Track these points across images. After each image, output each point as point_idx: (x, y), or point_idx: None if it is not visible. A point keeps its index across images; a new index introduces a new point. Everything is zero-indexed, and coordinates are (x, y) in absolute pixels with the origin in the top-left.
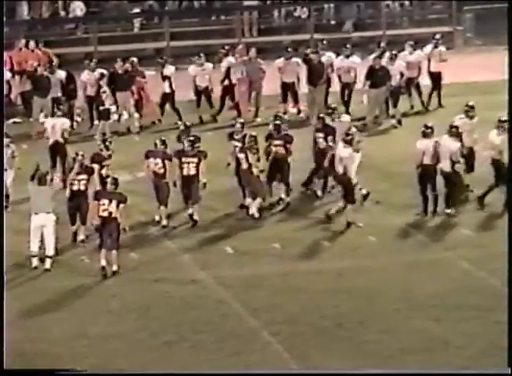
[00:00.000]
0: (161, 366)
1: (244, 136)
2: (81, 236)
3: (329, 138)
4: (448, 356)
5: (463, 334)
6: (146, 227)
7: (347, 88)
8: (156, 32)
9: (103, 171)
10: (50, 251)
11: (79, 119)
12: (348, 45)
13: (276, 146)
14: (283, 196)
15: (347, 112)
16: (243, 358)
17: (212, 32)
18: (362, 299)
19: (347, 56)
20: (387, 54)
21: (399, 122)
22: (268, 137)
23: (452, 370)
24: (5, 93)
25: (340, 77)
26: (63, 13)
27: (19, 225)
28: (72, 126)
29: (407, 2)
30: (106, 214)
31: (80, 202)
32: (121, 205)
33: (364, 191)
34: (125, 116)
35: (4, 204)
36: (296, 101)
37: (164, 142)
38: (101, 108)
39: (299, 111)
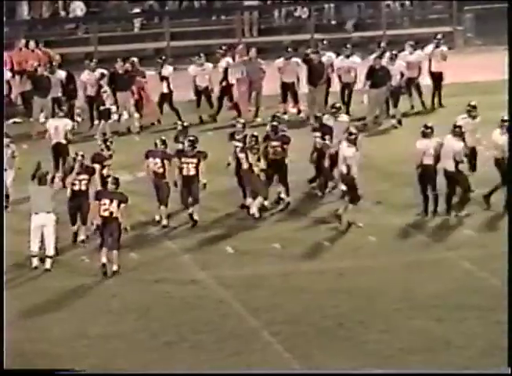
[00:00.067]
0: (161, 367)
1: (245, 136)
2: (81, 237)
3: (327, 137)
4: (449, 356)
5: (464, 334)
6: (147, 227)
7: (347, 88)
8: (157, 32)
9: (104, 171)
10: (50, 251)
11: (79, 119)
12: (349, 45)
13: (273, 147)
14: (283, 196)
15: (348, 112)
16: (244, 358)
17: (212, 32)
18: (363, 299)
19: (348, 56)
20: (388, 54)
21: (399, 122)
22: (265, 138)
23: (453, 370)
24: (5, 93)
25: (340, 77)
26: (63, 13)
27: (20, 225)
28: (72, 126)
29: (407, 2)
30: (107, 214)
31: (81, 202)
32: (122, 205)
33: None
34: (125, 116)
35: (4, 204)
36: (296, 101)
37: (164, 142)
38: (101, 108)
39: (299, 111)
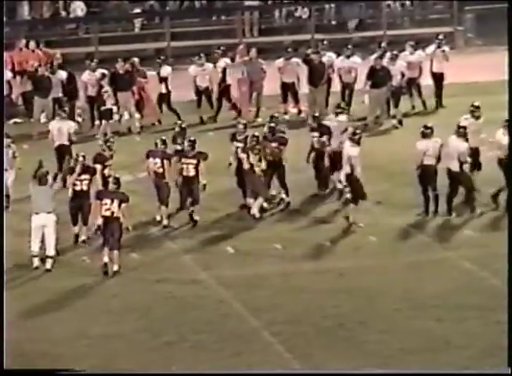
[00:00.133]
0: (162, 367)
1: (246, 137)
2: (82, 237)
3: (325, 137)
4: (449, 356)
5: (464, 334)
6: (147, 227)
7: (347, 88)
8: (157, 32)
9: (106, 172)
10: (51, 251)
11: (80, 119)
12: (349, 46)
13: (271, 147)
14: (283, 196)
15: (348, 112)
16: (244, 358)
17: (213, 32)
18: (363, 299)
19: (348, 56)
20: (388, 54)
21: (400, 122)
22: (263, 139)
23: (453, 370)
24: (6, 93)
25: (340, 77)
26: (63, 13)
27: (20, 226)
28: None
29: (408, 2)
30: (108, 213)
31: (82, 202)
32: (123, 205)
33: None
34: (126, 116)
35: (4, 204)
36: (296, 101)
37: (164, 142)
38: (103, 108)
39: (299, 111)
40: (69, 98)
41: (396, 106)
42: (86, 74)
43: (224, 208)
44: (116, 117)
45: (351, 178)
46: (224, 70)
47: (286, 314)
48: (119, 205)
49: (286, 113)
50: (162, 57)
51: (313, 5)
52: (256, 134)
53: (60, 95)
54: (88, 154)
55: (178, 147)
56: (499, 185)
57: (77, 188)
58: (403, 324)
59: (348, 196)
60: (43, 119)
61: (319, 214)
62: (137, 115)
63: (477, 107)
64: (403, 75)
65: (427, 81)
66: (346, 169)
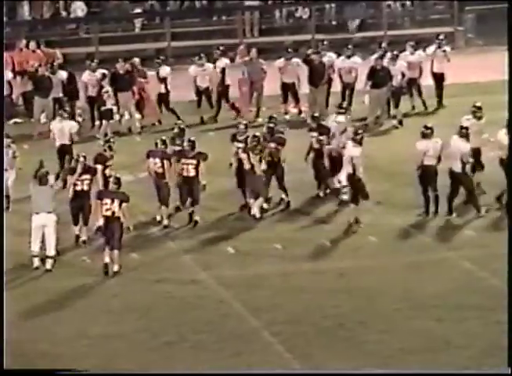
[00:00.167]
0: (162, 367)
1: (247, 137)
2: (82, 237)
3: (324, 137)
4: (449, 356)
5: (464, 334)
6: (148, 227)
7: (348, 88)
8: (158, 32)
9: (107, 172)
10: (51, 251)
11: (80, 119)
12: (350, 46)
13: (269, 148)
14: (283, 196)
15: (349, 113)
16: (244, 358)
17: (213, 32)
18: (363, 299)
19: (349, 57)
20: (389, 54)
21: (400, 122)
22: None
23: (453, 370)
24: (6, 93)
25: (341, 77)
26: (64, 14)
27: (20, 226)
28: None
29: (408, 3)
30: (109, 213)
31: (83, 202)
32: (124, 204)
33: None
34: (126, 116)
35: (5, 204)
36: (297, 101)
37: (164, 142)
38: (103, 108)
39: (300, 112)
40: (69, 98)
41: (396, 106)
42: (86, 74)
43: (224, 208)
44: (116, 117)
45: (352, 179)
46: (223, 70)
47: (286, 314)
48: (119, 205)
49: (286, 113)
50: (161, 57)
51: (314, 5)
52: (257, 134)
53: (61, 95)
54: (89, 154)
55: (177, 148)
56: (501, 185)
57: (78, 188)
58: (403, 324)
59: (345, 197)
60: (43, 119)
61: (319, 214)
62: (137, 115)
63: (479, 108)
64: (403, 75)
65: (427, 81)
66: (348, 169)
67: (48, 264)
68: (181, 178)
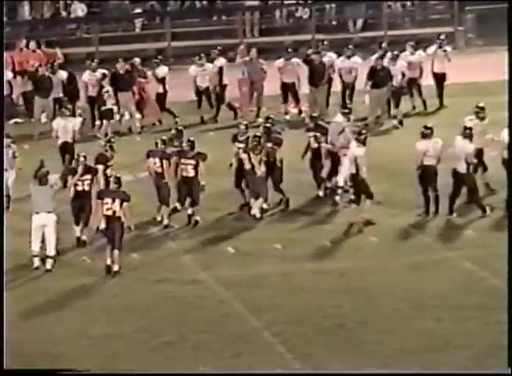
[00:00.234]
0: (162, 367)
1: (247, 137)
2: (83, 237)
3: (322, 137)
4: (449, 356)
5: (464, 334)
6: (148, 227)
7: (348, 88)
8: (158, 32)
9: (108, 172)
10: (51, 251)
11: (81, 119)
12: (350, 46)
13: (266, 148)
14: (282, 196)
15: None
16: (245, 358)
17: (214, 32)
18: (364, 299)
19: (349, 57)
20: (389, 54)
21: (401, 123)
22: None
23: (453, 370)
24: (6, 93)
25: (341, 77)
26: (64, 13)
27: (21, 226)
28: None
29: (409, 3)
30: (109, 213)
31: (83, 203)
32: (125, 204)
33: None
34: (127, 116)
35: (5, 204)
36: (297, 101)
37: (164, 142)
38: (103, 108)
39: (300, 112)
40: (69, 98)
41: (397, 106)
42: (87, 74)
43: (224, 208)
44: (116, 117)
45: (356, 179)
46: (220, 70)
47: (287, 314)
48: (120, 204)
49: (286, 113)
50: (159, 57)
51: (314, 5)
52: (258, 134)
53: (61, 95)
54: (89, 154)
55: (175, 149)
56: (503, 184)
57: (79, 188)
58: (403, 324)
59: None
60: (44, 119)
61: (319, 214)
62: (137, 115)
63: (482, 108)
64: (404, 75)
65: (427, 81)
66: (351, 169)
67: (49, 264)
68: (180, 178)
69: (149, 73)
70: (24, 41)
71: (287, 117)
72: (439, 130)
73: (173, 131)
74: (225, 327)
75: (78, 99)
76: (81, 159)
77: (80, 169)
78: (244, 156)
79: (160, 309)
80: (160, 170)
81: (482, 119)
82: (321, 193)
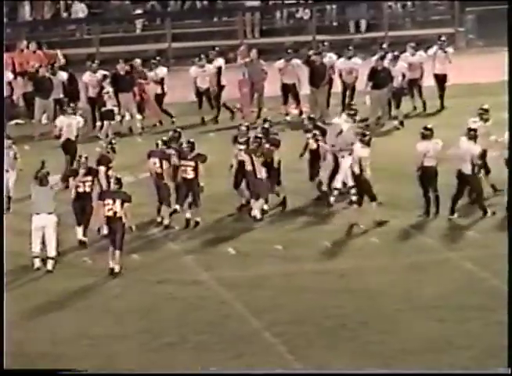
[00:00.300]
0: (163, 367)
1: (248, 139)
2: (83, 238)
3: (320, 139)
4: (450, 357)
5: (465, 334)
6: (149, 228)
7: (348, 89)
8: (158, 33)
9: (109, 173)
10: (52, 252)
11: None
12: (350, 47)
13: (264, 148)
14: (284, 196)
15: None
16: (246, 359)
17: (214, 33)
18: (365, 300)
19: (349, 58)
20: (390, 55)
21: (401, 123)
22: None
23: (454, 370)
24: (7, 94)
25: (342, 78)
26: (65, 14)
27: (21, 227)
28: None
29: (409, 3)
30: (110, 213)
31: (84, 204)
32: (126, 204)
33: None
34: (127, 117)
35: (5, 205)
36: (298, 102)
37: (165, 143)
38: (104, 109)
39: (301, 112)
40: (70, 99)
41: (397, 107)
42: (87, 75)
43: (225, 209)
44: (117, 118)
45: (359, 179)
46: (219, 71)
47: (288, 315)
48: (121, 205)
49: (287, 114)
50: (157, 58)
51: (314, 6)
52: (259, 135)
53: (61, 96)
54: (90, 155)
55: (173, 151)
56: (505, 185)
57: (80, 190)
58: (405, 325)
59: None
60: (44, 120)
61: (320, 215)
62: (138, 116)
63: (486, 110)
64: (404, 76)
65: (428, 82)
66: (355, 170)
67: (49, 265)
68: (180, 180)
69: (149, 74)
70: (25, 42)
71: (288, 118)
72: (440, 131)
73: (171, 133)
74: (226, 327)
75: (79, 100)
76: (83, 160)
77: (81, 171)
78: (245, 157)
79: (160, 309)
80: (159, 170)
81: (486, 121)
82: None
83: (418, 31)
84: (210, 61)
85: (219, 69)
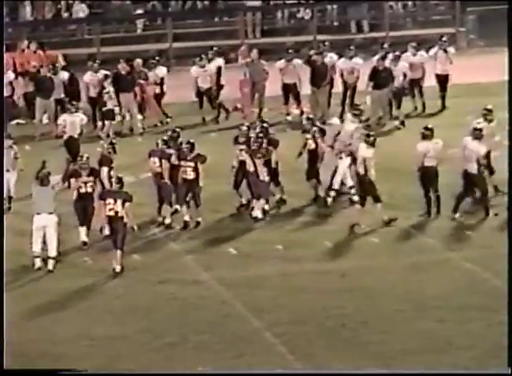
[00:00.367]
0: (164, 367)
1: (249, 139)
2: (84, 239)
3: (319, 139)
4: (451, 357)
5: (466, 335)
6: (149, 228)
7: (349, 89)
8: (159, 33)
9: (111, 173)
10: (52, 252)
11: None
12: (352, 47)
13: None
14: (284, 197)
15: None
16: (247, 359)
17: (215, 33)
18: (366, 300)
19: (351, 58)
20: (391, 55)
21: (402, 123)
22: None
23: (455, 370)
24: (8, 94)
25: (343, 78)
26: (65, 14)
27: (22, 226)
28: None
29: (410, 3)
30: (112, 213)
31: (86, 204)
32: (127, 204)
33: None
34: (128, 117)
35: (6, 205)
36: (298, 102)
37: (165, 142)
38: (104, 109)
39: (302, 112)
40: (71, 99)
41: (398, 107)
42: (88, 75)
43: (225, 210)
44: (118, 117)
45: (363, 180)
46: (219, 71)
47: (288, 315)
48: (122, 204)
49: (288, 114)
50: (157, 58)
51: (315, 6)
52: (260, 135)
53: (62, 96)
54: (91, 155)
55: (172, 151)
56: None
57: (82, 190)
58: (405, 325)
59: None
60: (45, 120)
61: (320, 215)
62: (139, 116)
63: (490, 111)
64: (405, 76)
65: (429, 82)
66: (359, 170)
67: (50, 265)
68: (180, 180)
69: (149, 74)
70: (26, 42)
71: (289, 118)
72: (440, 131)
73: (169, 133)
74: (226, 327)
75: (79, 100)
76: (84, 160)
77: (83, 171)
78: (246, 157)
79: (161, 309)
80: (159, 170)
81: (490, 121)
82: (321, 194)
83: (419, 31)
84: (209, 61)
85: (219, 69)
